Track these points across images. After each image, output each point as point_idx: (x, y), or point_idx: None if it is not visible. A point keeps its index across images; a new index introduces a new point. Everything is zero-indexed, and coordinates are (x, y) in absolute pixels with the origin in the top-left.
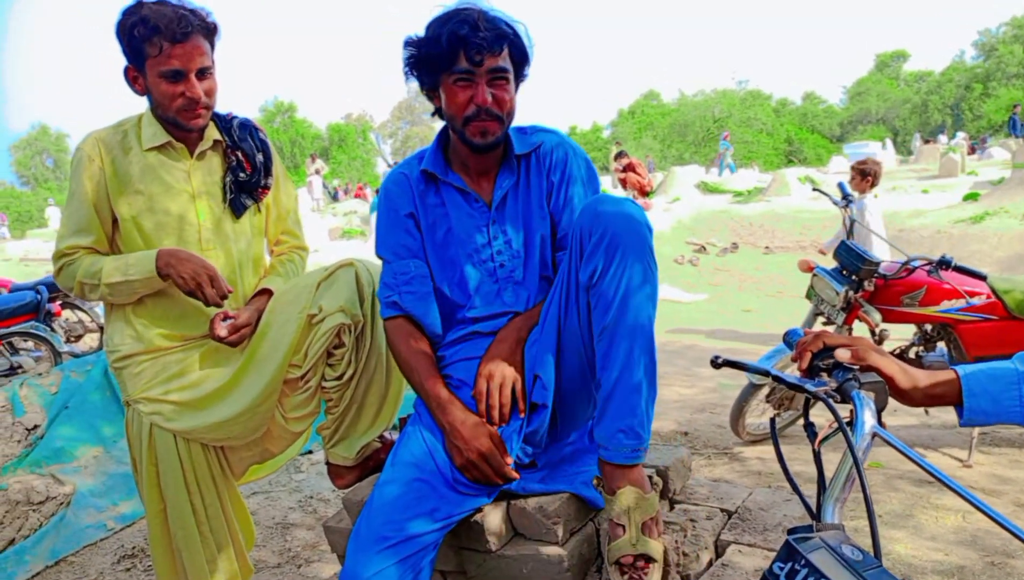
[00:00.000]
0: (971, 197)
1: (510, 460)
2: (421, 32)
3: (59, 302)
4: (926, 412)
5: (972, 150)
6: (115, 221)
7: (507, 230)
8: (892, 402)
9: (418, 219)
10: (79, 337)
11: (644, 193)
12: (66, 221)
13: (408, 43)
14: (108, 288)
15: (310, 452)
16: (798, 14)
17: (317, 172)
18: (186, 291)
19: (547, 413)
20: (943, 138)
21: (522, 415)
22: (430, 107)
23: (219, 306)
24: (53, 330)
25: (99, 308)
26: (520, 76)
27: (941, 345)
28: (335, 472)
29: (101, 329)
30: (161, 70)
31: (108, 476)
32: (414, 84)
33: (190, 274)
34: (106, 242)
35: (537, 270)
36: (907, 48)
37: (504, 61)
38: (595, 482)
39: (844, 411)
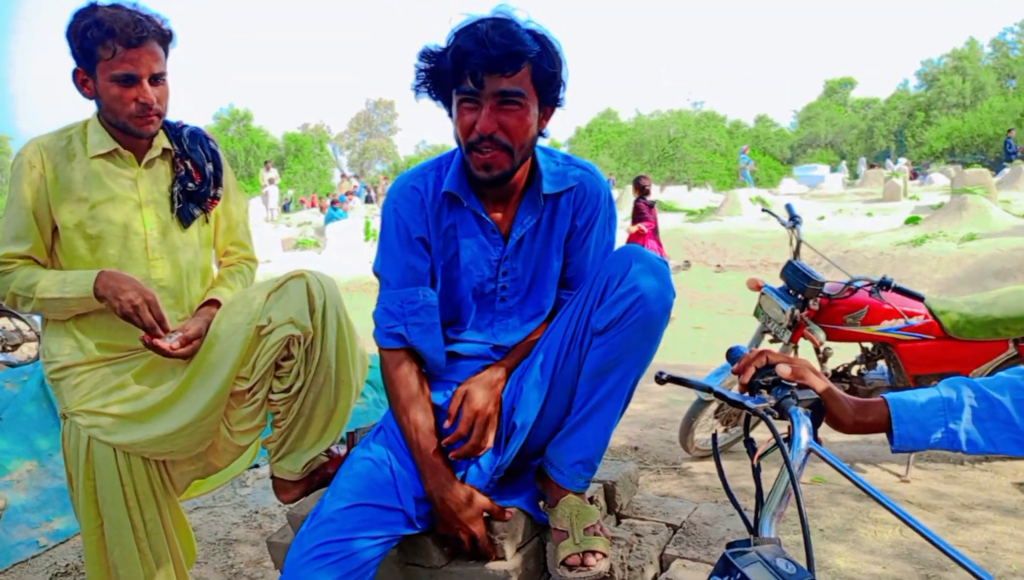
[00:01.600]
0: (912, 221)
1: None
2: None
3: None
4: None
5: (914, 175)
6: (55, 231)
7: (518, 267)
8: None
9: (429, 242)
10: (16, 346)
11: None
12: (3, 228)
13: (422, 55)
14: (41, 303)
15: (256, 466)
16: (752, 39)
17: (271, 181)
18: (121, 315)
19: (516, 448)
20: (889, 163)
21: (493, 450)
22: (388, 118)
23: (156, 334)
24: None
25: (38, 317)
26: (549, 100)
27: (882, 363)
28: (280, 486)
29: (39, 338)
30: (113, 74)
31: (42, 491)
32: (372, 96)
33: (127, 300)
34: (44, 251)
35: (535, 310)
36: (854, 75)
37: (517, 84)
38: (541, 504)
39: (783, 428)
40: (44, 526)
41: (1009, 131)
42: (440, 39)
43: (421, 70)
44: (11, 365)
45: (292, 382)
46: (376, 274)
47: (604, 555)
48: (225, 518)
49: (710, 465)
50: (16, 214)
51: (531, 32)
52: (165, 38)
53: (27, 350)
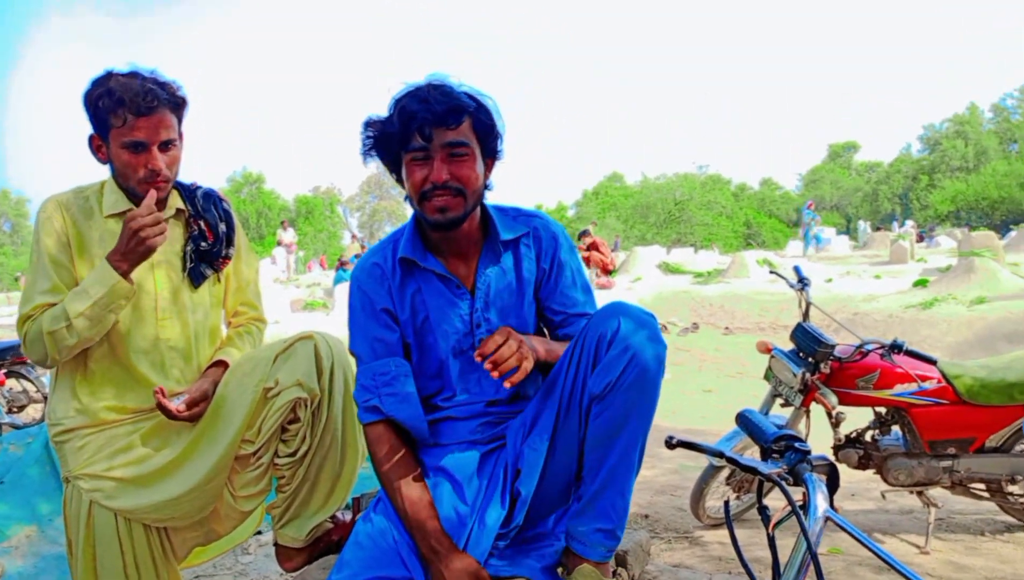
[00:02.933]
0: (921, 283)
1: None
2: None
3: (3, 370)
4: (883, 496)
5: (920, 238)
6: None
7: (491, 318)
8: (845, 485)
9: (395, 313)
10: (22, 407)
11: (607, 272)
12: (31, 283)
13: (367, 124)
14: (82, 320)
15: (259, 533)
16: (756, 104)
17: (288, 248)
18: (152, 247)
19: (526, 503)
20: (896, 225)
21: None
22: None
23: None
24: None
25: (45, 378)
26: (490, 151)
27: (896, 428)
28: (284, 554)
29: (46, 399)
30: (124, 141)
31: (40, 558)
32: (379, 161)
33: (139, 241)
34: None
35: None
36: (857, 139)
37: (462, 136)
38: (560, 571)
39: (797, 495)
40: None
41: None
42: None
43: (368, 137)
44: (16, 427)
45: (298, 446)
46: (352, 354)
47: None
48: None
49: (723, 534)
50: (43, 268)
51: (464, 92)
52: (178, 105)
53: (33, 412)
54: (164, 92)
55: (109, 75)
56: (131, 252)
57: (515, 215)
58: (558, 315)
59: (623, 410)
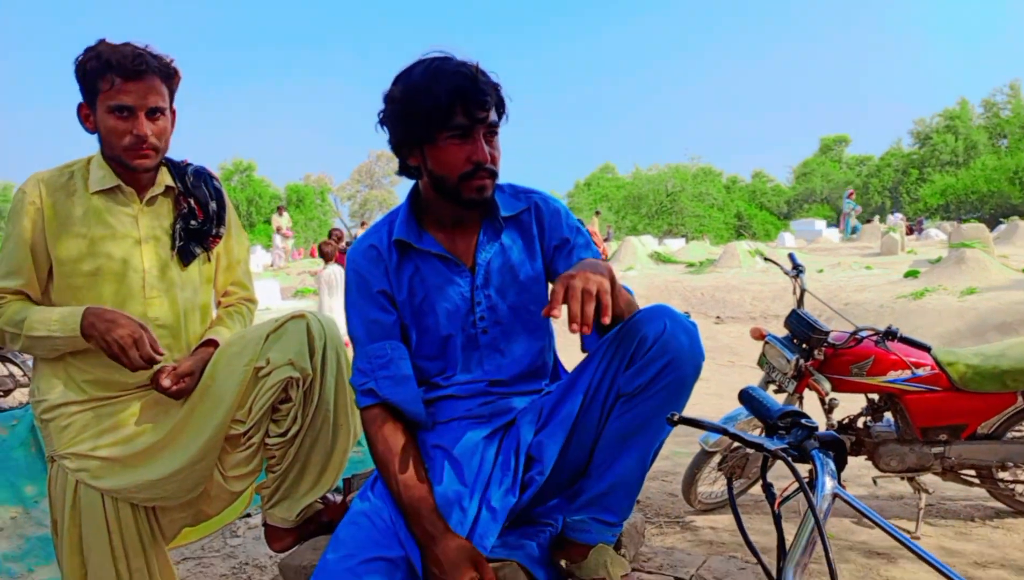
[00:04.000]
0: (911, 274)
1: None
2: (398, 87)
3: None
4: (874, 482)
5: (910, 230)
6: (51, 268)
7: (491, 295)
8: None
9: (392, 294)
10: (8, 392)
11: None
12: None
13: (394, 98)
14: (29, 340)
15: (248, 515)
16: (748, 96)
17: (285, 233)
18: (109, 355)
19: (534, 490)
20: (891, 217)
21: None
22: (389, 171)
23: (146, 367)
24: None
25: (31, 361)
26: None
27: (888, 415)
28: (273, 534)
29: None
30: (110, 104)
31: (25, 539)
32: (373, 149)
33: (113, 338)
34: (37, 288)
35: (523, 338)
36: (848, 133)
37: (495, 114)
38: (564, 564)
39: (803, 471)
40: (25, 576)
41: None
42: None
43: (400, 111)
44: (1, 410)
45: (289, 426)
46: (350, 338)
47: None
48: (214, 569)
49: (714, 519)
50: (12, 249)
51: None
52: (168, 75)
53: (19, 396)
54: (153, 59)
55: (100, 42)
56: (101, 339)
57: (513, 192)
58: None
59: (649, 413)
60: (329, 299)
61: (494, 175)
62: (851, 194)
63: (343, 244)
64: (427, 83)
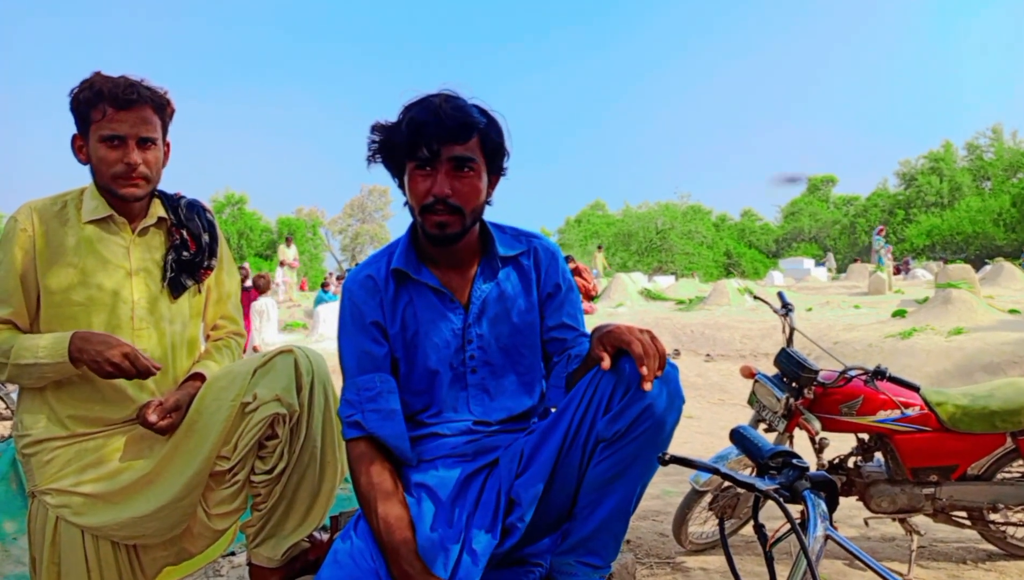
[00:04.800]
0: (899, 314)
1: None
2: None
3: None
4: (866, 523)
5: (897, 270)
6: (39, 298)
7: (484, 335)
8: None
9: (385, 326)
10: None
11: (589, 297)
12: None
13: (374, 128)
14: (16, 369)
15: (231, 554)
16: (737, 136)
17: (292, 266)
18: (106, 376)
19: (517, 536)
20: (876, 240)
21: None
22: (381, 205)
23: (143, 378)
24: None
25: (15, 394)
26: (495, 169)
27: (879, 455)
28: (258, 574)
29: (14, 415)
30: (102, 134)
31: (3, 577)
32: (366, 183)
33: (104, 359)
34: (26, 317)
35: (514, 380)
36: (835, 173)
37: (470, 151)
38: None
39: (794, 512)
40: None
41: None
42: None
43: (374, 142)
44: None
45: (275, 463)
46: (341, 368)
47: None
48: None
49: (705, 559)
50: (2, 277)
51: (477, 107)
52: (160, 106)
53: (1, 429)
54: (146, 90)
55: (96, 73)
56: (92, 362)
57: (514, 234)
58: (571, 333)
59: (629, 457)
60: (260, 326)
61: (457, 211)
62: (881, 231)
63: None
64: (399, 117)
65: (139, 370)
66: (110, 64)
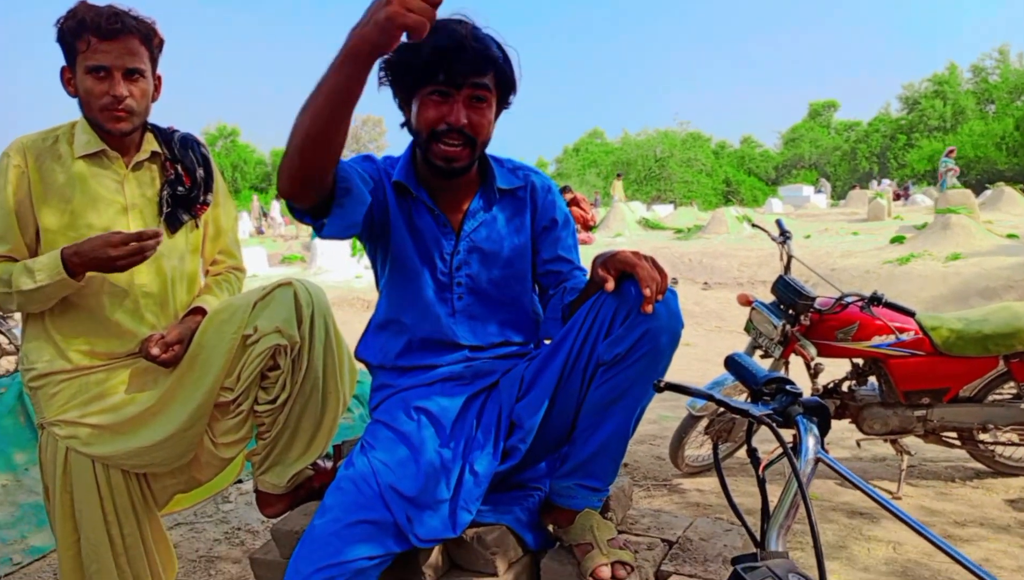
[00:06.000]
0: (897, 240)
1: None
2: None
3: None
4: (858, 444)
5: (897, 196)
6: (38, 232)
7: (472, 263)
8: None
9: (388, 209)
10: None
11: (587, 228)
12: None
13: (396, 50)
14: (22, 297)
15: (239, 481)
16: (738, 61)
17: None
18: (122, 269)
19: (518, 458)
20: (875, 184)
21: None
22: (376, 136)
23: (153, 248)
24: None
25: (18, 330)
26: (503, 103)
27: (873, 379)
28: (264, 500)
29: (19, 351)
30: (87, 64)
31: (17, 507)
32: (359, 113)
33: (108, 257)
34: (25, 252)
35: (500, 310)
36: (837, 98)
37: (487, 83)
38: (551, 528)
39: (788, 436)
40: (19, 543)
41: None
42: None
43: (388, 61)
44: None
45: (278, 393)
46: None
47: (632, 568)
48: (207, 534)
49: (700, 482)
50: None
51: (494, 40)
52: (147, 36)
53: (5, 364)
54: (132, 20)
55: (81, 3)
56: (95, 262)
57: (512, 168)
58: (566, 266)
59: (628, 381)
60: None
61: (471, 143)
62: (951, 152)
63: None
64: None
65: (143, 243)
66: None
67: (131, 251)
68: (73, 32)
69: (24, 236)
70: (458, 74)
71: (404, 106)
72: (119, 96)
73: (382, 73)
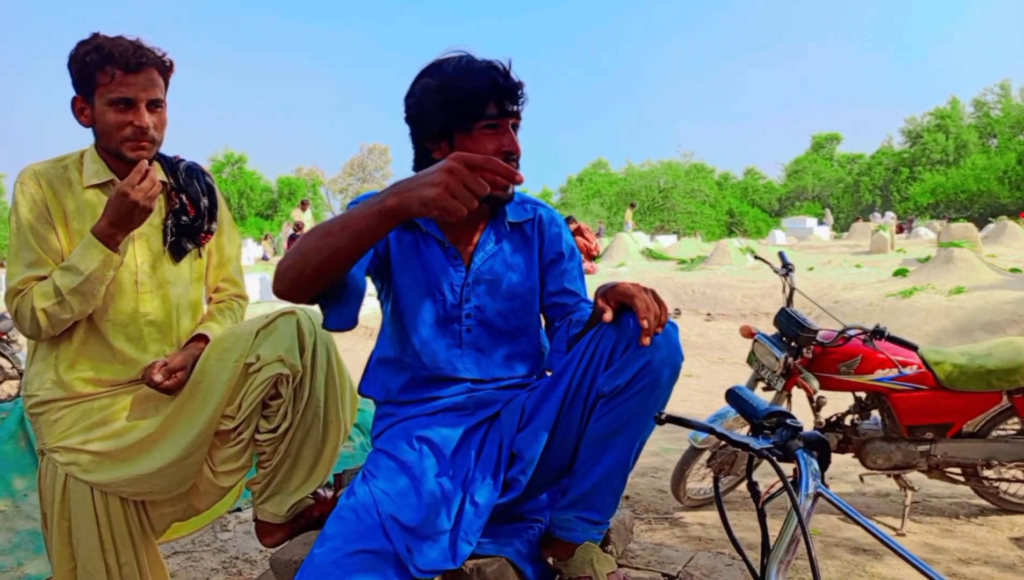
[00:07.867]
0: (900, 273)
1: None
2: (434, 79)
3: None
4: (861, 479)
5: (900, 229)
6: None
7: (481, 295)
8: (831, 466)
9: (390, 245)
10: None
11: (591, 257)
12: (14, 256)
13: (431, 88)
14: (74, 296)
15: (238, 510)
16: (741, 93)
17: (299, 227)
18: (146, 211)
19: (519, 490)
20: (876, 216)
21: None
22: (382, 164)
23: (152, 188)
24: None
25: (21, 354)
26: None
27: (875, 413)
28: (263, 530)
29: (22, 375)
30: (111, 97)
31: (15, 533)
32: (365, 141)
33: (131, 204)
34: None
35: (507, 342)
36: (840, 131)
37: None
38: (551, 561)
39: (788, 470)
40: (15, 570)
41: None
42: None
43: (436, 103)
44: None
45: (279, 422)
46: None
47: None
48: (204, 563)
49: (703, 515)
50: (26, 239)
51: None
52: (165, 68)
53: (8, 388)
54: (151, 52)
55: (95, 35)
56: (122, 219)
57: (520, 201)
58: (572, 298)
59: (628, 413)
60: None
61: (517, 167)
62: None
63: None
64: (463, 75)
65: (146, 177)
66: (94, 14)
67: (146, 183)
68: (96, 64)
69: (53, 257)
70: (507, 104)
71: (437, 145)
72: (144, 127)
73: (425, 112)
